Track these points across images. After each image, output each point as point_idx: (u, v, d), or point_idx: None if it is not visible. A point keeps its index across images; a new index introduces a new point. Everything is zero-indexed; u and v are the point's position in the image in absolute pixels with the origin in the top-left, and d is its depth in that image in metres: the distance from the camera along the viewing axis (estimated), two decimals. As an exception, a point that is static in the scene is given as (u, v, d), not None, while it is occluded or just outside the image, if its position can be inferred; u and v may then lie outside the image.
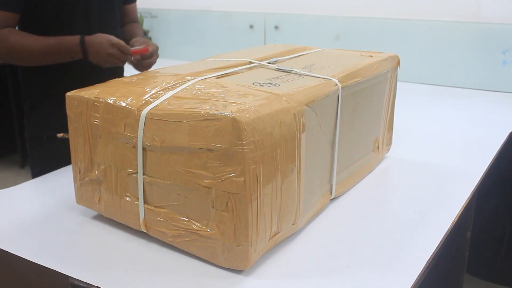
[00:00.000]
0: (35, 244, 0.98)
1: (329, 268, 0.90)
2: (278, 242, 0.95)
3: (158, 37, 3.04)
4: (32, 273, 0.94)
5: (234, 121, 0.79)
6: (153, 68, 1.26)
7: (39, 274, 0.92)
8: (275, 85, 0.99)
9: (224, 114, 0.80)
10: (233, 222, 0.83)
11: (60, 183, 1.24)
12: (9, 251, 0.94)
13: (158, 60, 1.41)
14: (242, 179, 0.80)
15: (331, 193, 1.12)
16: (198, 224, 0.87)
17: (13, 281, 1.00)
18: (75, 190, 1.07)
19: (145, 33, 2.95)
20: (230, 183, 0.81)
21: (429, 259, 0.93)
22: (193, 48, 2.95)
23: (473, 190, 1.22)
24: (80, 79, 1.26)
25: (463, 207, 1.13)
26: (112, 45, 1.26)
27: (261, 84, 1.00)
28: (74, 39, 1.28)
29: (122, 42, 1.28)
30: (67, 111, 1.02)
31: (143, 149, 0.91)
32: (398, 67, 1.35)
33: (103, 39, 1.27)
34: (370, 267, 0.90)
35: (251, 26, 2.73)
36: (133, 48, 1.33)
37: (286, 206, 0.92)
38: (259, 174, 0.82)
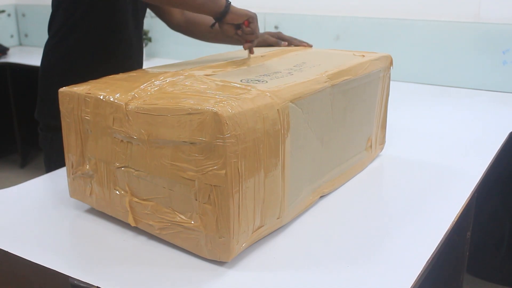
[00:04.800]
0: (35, 244, 0.98)
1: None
2: (263, 236, 0.96)
3: (158, 37, 3.05)
4: (32, 273, 0.94)
5: (215, 115, 0.81)
6: (148, 67, 1.27)
7: (39, 274, 0.92)
8: (262, 81, 1.01)
9: (206, 108, 0.82)
10: (215, 214, 0.85)
11: (59, 183, 1.24)
12: (9, 251, 0.94)
13: (157, 61, 1.42)
14: (224, 172, 0.82)
15: (320, 190, 1.13)
16: (183, 216, 0.89)
17: (13, 281, 1.01)
18: (68, 184, 1.09)
19: (145, 33, 2.97)
20: (212, 176, 0.83)
21: (429, 259, 0.92)
22: (193, 48, 2.95)
23: (473, 190, 1.21)
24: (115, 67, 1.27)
25: (463, 207, 1.12)
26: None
27: (249, 81, 1.01)
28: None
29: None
30: (60, 107, 1.04)
31: (131, 142, 0.93)
32: (391, 67, 1.35)
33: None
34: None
35: (253, 26, 2.74)
36: None
37: (270, 201, 0.93)
38: (241, 168, 0.84)
